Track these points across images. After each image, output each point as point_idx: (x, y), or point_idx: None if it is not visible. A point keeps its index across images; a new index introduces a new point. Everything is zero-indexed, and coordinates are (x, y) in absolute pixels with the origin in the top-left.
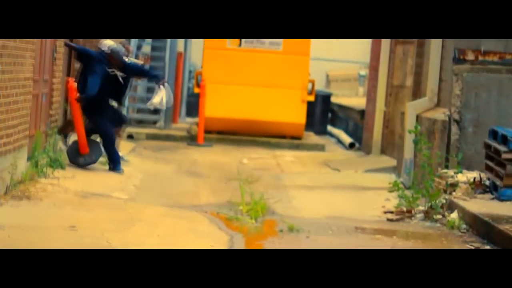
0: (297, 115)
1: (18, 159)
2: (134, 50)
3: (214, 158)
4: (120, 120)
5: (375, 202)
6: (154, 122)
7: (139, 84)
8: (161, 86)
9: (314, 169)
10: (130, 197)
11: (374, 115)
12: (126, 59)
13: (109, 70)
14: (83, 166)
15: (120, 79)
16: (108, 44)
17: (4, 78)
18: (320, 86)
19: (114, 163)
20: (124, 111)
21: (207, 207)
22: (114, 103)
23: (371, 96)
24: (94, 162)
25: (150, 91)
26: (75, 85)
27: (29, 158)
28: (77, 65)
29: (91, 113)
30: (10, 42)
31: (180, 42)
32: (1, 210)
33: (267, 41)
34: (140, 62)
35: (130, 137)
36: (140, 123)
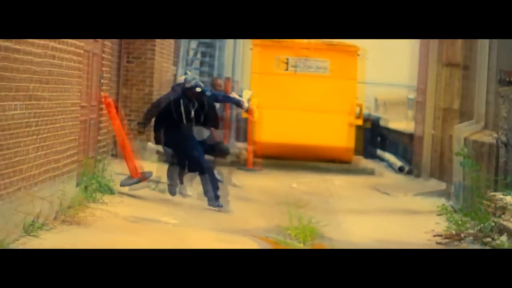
0: (345, 139)
1: (67, 185)
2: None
3: (263, 182)
4: (216, 151)
5: (425, 226)
6: None
7: None
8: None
9: (364, 193)
10: (179, 222)
11: (423, 138)
12: (199, 89)
13: (183, 103)
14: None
15: (193, 111)
16: (184, 77)
17: (51, 105)
18: (368, 110)
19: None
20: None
21: (256, 232)
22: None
23: (419, 119)
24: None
25: None
26: (111, 101)
27: (78, 184)
28: (126, 91)
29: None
30: (56, 69)
31: (228, 67)
32: (50, 235)
33: (314, 64)
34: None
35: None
36: None
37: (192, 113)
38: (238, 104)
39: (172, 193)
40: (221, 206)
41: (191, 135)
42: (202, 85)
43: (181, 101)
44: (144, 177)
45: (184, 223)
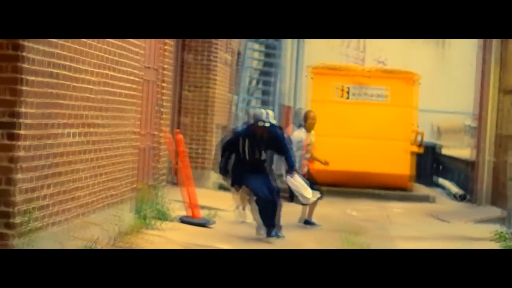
0: (403, 167)
1: (124, 211)
2: (242, 105)
3: (320, 210)
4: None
5: None
6: None
7: None
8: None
9: (422, 220)
10: (235, 248)
11: (483, 166)
12: (267, 124)
13: (247, 138)
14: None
15: (249, 147)
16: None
17: (109, 132)
18: (427, 138)
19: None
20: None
21: None
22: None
23: (479, 146)
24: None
25: None
26: (182, 137)
27: (135, 210)
28: (185, 119)
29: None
30: (113, 97)
31: (290, 96)
32: None
33: (373, 92)
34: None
35: None
36: None
37: (257, 150)
38: (290, 167)
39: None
40: (278, 236)
41: (254, 172)
42: (270, 120)
43: (247, 137)
44: (204, 223)
45: None
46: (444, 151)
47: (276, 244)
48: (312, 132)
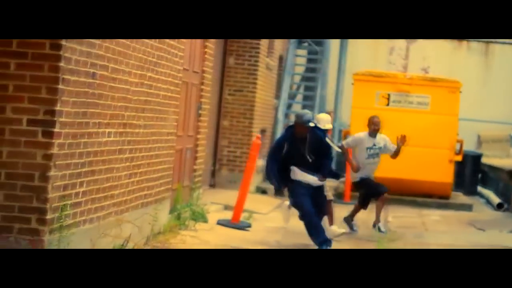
0: (444, 175)
1: (159, 211)
2: (284, 109)
3: (359, 216)
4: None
5: None
6: None
7: None
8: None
9: (459, 228)
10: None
11: None
12: (311, 124)
13: (290, 140)
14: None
15: (301, 150)
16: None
17: (147, 133)
18: (471, 147)
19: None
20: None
21: None
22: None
23: None
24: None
25: None
26: (260, 143)
27: (171, 211)
28: (226, 123)
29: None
30: (153, 98)
31: (330, 102)
32: None
33: (415, 100)
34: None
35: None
36: None
37: (303, 152)
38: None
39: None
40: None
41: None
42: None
43: (290, 140)
44: (241, 227)
45: None
46: (486, 161)
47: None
48: (382, 136)
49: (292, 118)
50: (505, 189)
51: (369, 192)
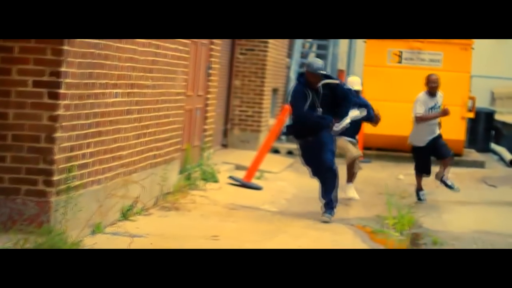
0: (456, 132)
1: (169, 172)
2: (296, 68)
3: (371, 174)
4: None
5: None
6: None
7: None
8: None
9: (470, 185)
10: (279, 210)
11: None
12: (323, 71)
13: (305, 91)
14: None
15: (315, 98)
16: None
17: (155, 93)
18: (484, 104)
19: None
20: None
21: (355, 221)
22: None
23: None
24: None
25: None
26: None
27: (181, 171)
28: (238, 82)
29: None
30: (160, 58)
31: (343, 60)
32: (148, 219)
33: (427, 57)
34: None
35: (290, 153)
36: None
37: (317, 103)
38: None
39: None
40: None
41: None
42: (324, 68)
43: (302, 91)
44: (252, 186)
45: (285, 211)
46: (499, 117)
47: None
48: (440, 93)
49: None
50: None
51: (435, 154)
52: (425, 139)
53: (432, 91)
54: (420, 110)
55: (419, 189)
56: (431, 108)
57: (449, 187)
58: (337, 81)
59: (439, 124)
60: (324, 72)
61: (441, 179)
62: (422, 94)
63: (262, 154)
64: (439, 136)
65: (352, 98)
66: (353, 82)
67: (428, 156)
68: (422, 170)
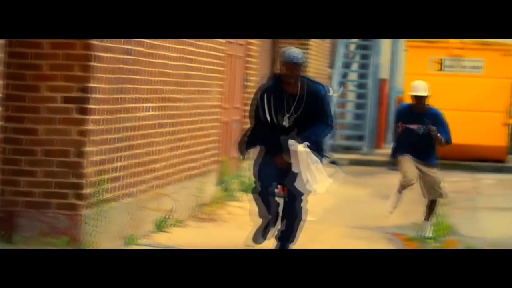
0: (498, 138)
1: (205, 183)
2: (338, 78)
3: None
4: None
5: None
6: (360, 148)
7: (348, 111)
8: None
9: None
10: (316, 219)
11: None
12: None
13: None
14: None
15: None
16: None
17: (189, 106)
18: None
19: None
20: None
21: (392, 229)
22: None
23: None
24: None
25: (359, 117)
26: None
27: (218, 183)
28: None
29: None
30: (194, 72)
31: (385, 69)
32: (183, 231)
33: (468, 64)
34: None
35: (333, 163)
36: (347, 149)
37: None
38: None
39: None
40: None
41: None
42: (303, 57)
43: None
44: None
45: (321, 221)
46: None
47: (363, 216)
48: None
49: (348, 87)
50: None
51: None
52: None
53: None
54: None
55: None
56: None
57: None
58: (324, 90)
59: None
60: (303, 65)
61: None
62: None
63: None
64: None
65: (329, 124)
66: (418, 87)
67: None
68: None
